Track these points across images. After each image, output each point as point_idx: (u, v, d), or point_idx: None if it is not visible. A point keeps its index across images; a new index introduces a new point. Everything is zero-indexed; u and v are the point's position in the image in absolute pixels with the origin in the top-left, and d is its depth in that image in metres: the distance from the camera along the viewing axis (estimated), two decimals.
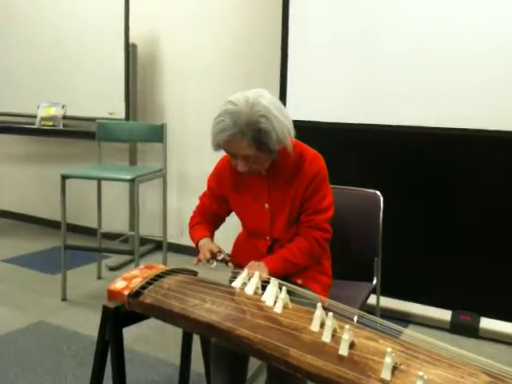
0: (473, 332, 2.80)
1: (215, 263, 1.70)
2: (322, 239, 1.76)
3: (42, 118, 4.02)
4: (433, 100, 2.78)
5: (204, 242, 1.78)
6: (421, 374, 1.00)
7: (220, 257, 1.70)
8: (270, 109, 1.58)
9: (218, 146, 1.63)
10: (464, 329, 2.83)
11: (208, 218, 1.93)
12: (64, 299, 3.16)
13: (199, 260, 1.71)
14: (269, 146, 1.60)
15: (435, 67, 2.76)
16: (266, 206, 1.79)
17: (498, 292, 2.81)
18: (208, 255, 1.69)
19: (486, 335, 2.79)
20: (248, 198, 1.83)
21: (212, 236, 1.90)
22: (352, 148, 3.05)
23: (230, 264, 1.72)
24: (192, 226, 1.93)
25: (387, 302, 2.94)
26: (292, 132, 1.68)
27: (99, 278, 3.57)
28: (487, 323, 2.80)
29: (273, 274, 1.61)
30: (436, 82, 2.76)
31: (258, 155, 1.63)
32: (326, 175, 1.78)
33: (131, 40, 3.78)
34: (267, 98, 1.62)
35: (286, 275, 1.68)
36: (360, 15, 2.92)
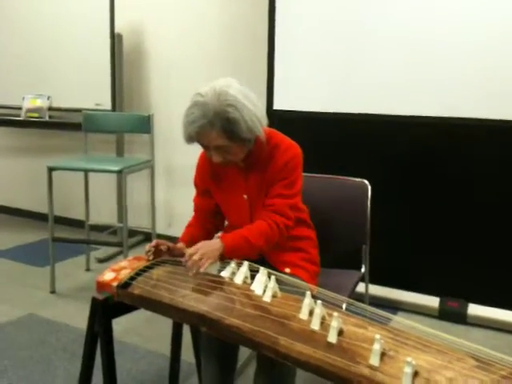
0: (461, 318, 2.83)
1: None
2: (282, 224, 1.72)
3: (28, 110, 3.99)
4: (421, 89, 2.79)
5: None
6: (409, 359, 1.01)
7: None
8: (237, 98, 1.59)
9: (189, 138, 1.64)
10: (452, 315, 2.85)
11: (203, 216, 1.92)
12: (53, 292, 3.15)
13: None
14: (239, 134, 1.60)
15: (423, 56, 2.76)
16: (245, 197, 1.80)
17: (485, 279, 2.84)
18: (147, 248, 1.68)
19: (473, 321, 2.82)
20: (227, 190, 1.83)
21: (197, 238, 1.81)
22: (340, 137, 3.05)
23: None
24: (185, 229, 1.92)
25: (376, 290, 2.96)
26: (264, 120, 1.68)
27: (88, 270, 3.56)
28: (475, 309, 2.83)
29: (229, 251, 1.60)
30: (425, 72, 2.77)
31: (230, 145, 1.63)
32: (298, 163, 1.76)
33: (116, 30, 3.75)
34: (235, 87, 1.62)
35: (238, 256, 1.62)
36: (348, 3, 2.91)
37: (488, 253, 2.81)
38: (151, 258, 1.66)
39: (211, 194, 1.89)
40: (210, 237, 1.89)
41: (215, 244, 1.60)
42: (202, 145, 1.67)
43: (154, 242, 1.68)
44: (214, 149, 1.64)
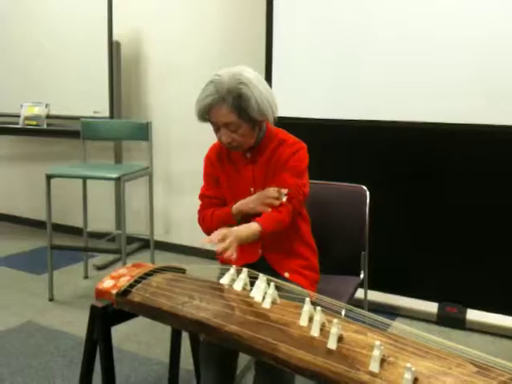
0: (459, 324, 2.83)
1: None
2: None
3: (26, 118, 3.99)
4: (420, 95, 2.80)
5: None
6: (409, 365, 1.01)
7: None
8: (251, 79, 1.66)
9: (201, 114, 1.70)
10: (451, 321, 2.86)
11: (217, 205, 1.90)
12: (51, 299, 3.14)
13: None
14: (249, 112, 1.66)
15: (420, 62, 2.78)
16: (252, 189, 1.83)
17: (483, 284, 2.84)
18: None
19: (472, 327, 2.82)
20: (235, 182, 1.86)
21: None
22: (337, 143, 3.06)
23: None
24: (208, 218, 1.86)
25: (375, 296, 2.96)
26: (275, 109, 1.74)
27: (86, 277, 3.55)
28: (473, 315, 2.83)
29: (265, 229, 1.67)
30: (423, 77, 2.78)
31: (239, 123, 1.68)
32: (305, 156, 1.80)
33: (115, 38, 3.76)
34: (251, 72, 1.71)
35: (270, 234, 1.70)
36: (347, 8, 2.92)
37: (487, 258, 2.82)
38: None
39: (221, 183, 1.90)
40: None
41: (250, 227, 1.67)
42: (212, 123, 1.72)
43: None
44: (224, 126, 1.70)
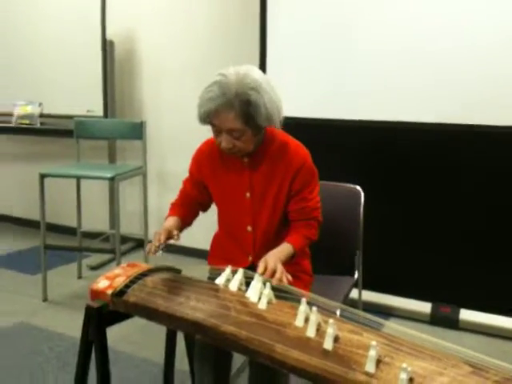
0: (453, 324, 2.85)
1: (161, 252, 1.58)
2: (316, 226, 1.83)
3: (19, 117, 3.97)
4: (414, 96, 2.81)
5: (163, 226, 1.68)
6: (404, 365, 1.02)
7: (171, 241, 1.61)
8: (261, 83, 1.56)
9: (205, 118, 1.59)
10: (444, 321, 2.87)
11: (188, 202, 1.87)
12: (45, 300, 3.13)
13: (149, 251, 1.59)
14: (256, 120, 1.57)
15: (416, 63, 2.78)
16: (248, 195, 1.76)
17: (477, 284, 2.85)
18: (156, 242, 1.57)
19: (465, 327, 2.83)
20: (228, 185, 1.78)
21: (186, 219, 1.82)
22: (332, 143, 3.06)
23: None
24: (170, 208, 1.87)
25: (369, 296, 2.97)
26: (282, 113, 1.65)
27: (80, 277, 3.54)
28: (467, 315, 2.85)
29: (296, 249, 1.70)
30: (417, 78, 2.79)
31: (244, 130, 1.59)
32: (312, 166, 1.77)
33: (108, 37, 3.74)
34: (259, 73, 1.61)
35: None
36: (342, 9, 2.93)
37: (480, 258, 2.83)
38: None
39: (204, 189, 1.84)
40: (185, 223, 1.83)
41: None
42: (215, 126, 1.62)
43: (162, 237, 1.58)
44: (227, 132, 1.60)
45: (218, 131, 1.63)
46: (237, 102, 1.53)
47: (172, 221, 1.75)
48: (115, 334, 2.64)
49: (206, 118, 1.59)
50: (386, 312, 2.98)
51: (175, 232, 1.61)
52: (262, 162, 1.74)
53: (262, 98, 1.55)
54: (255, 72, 1.60)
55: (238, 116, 1.55)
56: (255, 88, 1.54)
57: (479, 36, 2.63)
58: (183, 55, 3.80)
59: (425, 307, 2.93)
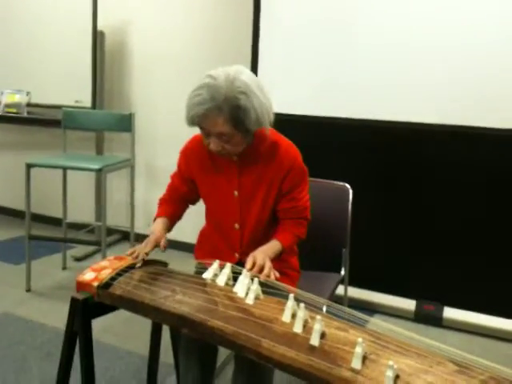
0: (436, 321, 2.87)
1: (139, 264, 1.63)
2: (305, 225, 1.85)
3: (6, 105, 3.93)
4: (405, 94, 2.82)
5: (152, 232, 1.72)
6: (390, 363, 1.02)
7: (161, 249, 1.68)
8: (250, 86, 1.53)
9: (192, 121, 1.56)
10: (428, 318, 2.89)
11: (177, 197, 1.87)
12: (28, 290, 3.11)
13: (137, 255, 1.63)
14: (246, 124, 1.55)
15: (409, 61, 2.79)
16: (236, 193, 1.75)
17: (460, 283, 2.88)
18: (146, 250, 1.63)
19: (449, 324, 2.86)
20: (216, 183, 1.77)
21: (175, 215, 1.85)
22: (320, 140, 3.07)
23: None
24: (159, 204, 1.88)
25: (354, 293, 2.98)
26: (271, 115, 1.62)
27: (64, 268, 3.52)
28: (450, 313, 2.87)
29: (285, 247, 1.73)
30: (409, 76, 2.80)
31: (234, 134, 1.57)
32: (302, 166, 1.77)
33: (99, 28, 3.71)
34: (248, 75, 1.57)
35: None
36: (335, 5, 2.93)
37: (464, 257, 2.86)
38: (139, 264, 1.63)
39: (193, 184, 1.84)
40: (175, 220, 1.87)
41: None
42: (203, 129, 1.60)
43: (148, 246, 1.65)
44: (216, 136, 1.58)
45: (206, 134, 1.61)
46: (226, 106, 1.50)
47: (161, 224, 1.78)
48: (99, 325, 2.62)
49: (194, 121, 1.56)
50: (371, 309, 3.00)
51: (162, 243, 1.66)
52: (252, 161, 1.73)
53: (251, 102, 1.52)
54: (245, 74, 1.56)
55: (227, 120, 1.53)
56: (245, 92, 1.51)
57: (482, 34, 2.64)
58: (174, 47, 3.77)
59: (409, 304, 2.96)
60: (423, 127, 2.80)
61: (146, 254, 1.63)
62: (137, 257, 1.62)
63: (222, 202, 1.79)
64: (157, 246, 1.66)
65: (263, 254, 1.58)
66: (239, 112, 1.52)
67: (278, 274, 1.53)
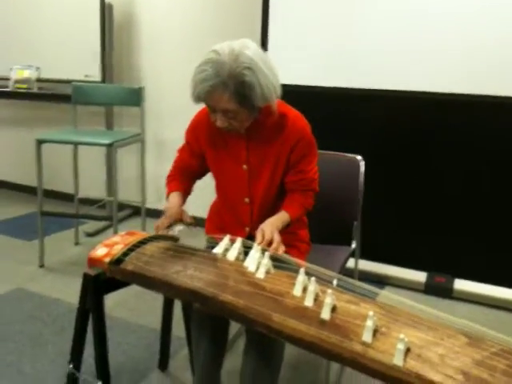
0: (447, 293, 2.87)
1: (177, 228, 1.63)
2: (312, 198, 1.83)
3: (16, 81, 3.92)
4: (415, 64, 2.78)
5: (171, 205, 1.71)
6: (402, 336, 1.02)
7: (184, 222, 1.66)
8: (256, 61, 1.49)
9: (198, 98, 1.55)
10: (438, 290, 2.89)
11: (186, 173, 1.86)
12: (41, 266, 3.14)
13: (157, 227, 1.63)
14: (252, 101, 1.52)
15: (416, 30, 2.74)
16: (244, 167, 1.74)
17: (471, 254, 2.87)
18: (166, 223, 1.62)
19: (459, 296, 2.86)
20: (225, 157, 1.76)
21: (187, 191, 1.84)
22: (331, 112, 3.04)
23: (192, 228, 1.66)
24: (168, 181, 1.86)
25: (365, 265, 2.98)
26: (278, 90, 1.59)
27: (76, 243, 3.55)
28: (461, 284, 2.87)
29: (293, 218, 1.71)
30: (417, 45, 2.75)
31: (239, 110, 1.55)
32: (311, 137, 1.75)
33: (107, 0, 3.67)
34: (254, 50, 1.53)
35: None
36: None
37: (474, 229, 2.84)
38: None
39: (202, 159, 1.82)
40: (186, 196, 1.84)
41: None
42: (209, 106, 1.58)
43: (167, 220, 1.63)
44: (221, 112, 1.56)
45: (212, 110, 1.59)
46: (231, 82, 1.47)
47: (177, 197, 1.76)
48: (112, 300, 2.66)
49: (201, 98, 1.54)
50: (381, 281, 3.01)
51: (188, 219, 1.66)
52: (260, 134, 1.71)
53: (257, 78, 1.49)
54: (250, 49, 1.52)
55: (232, 97, 1.50)
56: (250, 67, 1.48)
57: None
58: (183, 20, 3.73)
59: (420, 276, 2.96)
60: (437, 97, 2.76)
61: (168, 226, 1.62)
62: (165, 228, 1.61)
63: (231, 176, 1.78)
64: (180, 221, 1.65)
65: (272, 226, 1.58)
66: (244, 88, 1.49)
67: (284, 248, 1.53)
